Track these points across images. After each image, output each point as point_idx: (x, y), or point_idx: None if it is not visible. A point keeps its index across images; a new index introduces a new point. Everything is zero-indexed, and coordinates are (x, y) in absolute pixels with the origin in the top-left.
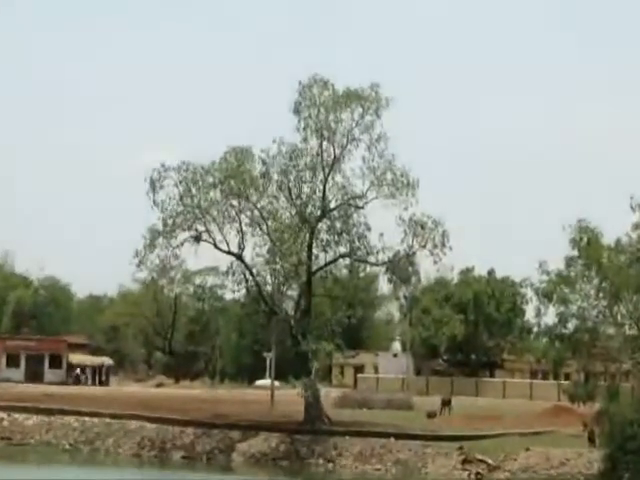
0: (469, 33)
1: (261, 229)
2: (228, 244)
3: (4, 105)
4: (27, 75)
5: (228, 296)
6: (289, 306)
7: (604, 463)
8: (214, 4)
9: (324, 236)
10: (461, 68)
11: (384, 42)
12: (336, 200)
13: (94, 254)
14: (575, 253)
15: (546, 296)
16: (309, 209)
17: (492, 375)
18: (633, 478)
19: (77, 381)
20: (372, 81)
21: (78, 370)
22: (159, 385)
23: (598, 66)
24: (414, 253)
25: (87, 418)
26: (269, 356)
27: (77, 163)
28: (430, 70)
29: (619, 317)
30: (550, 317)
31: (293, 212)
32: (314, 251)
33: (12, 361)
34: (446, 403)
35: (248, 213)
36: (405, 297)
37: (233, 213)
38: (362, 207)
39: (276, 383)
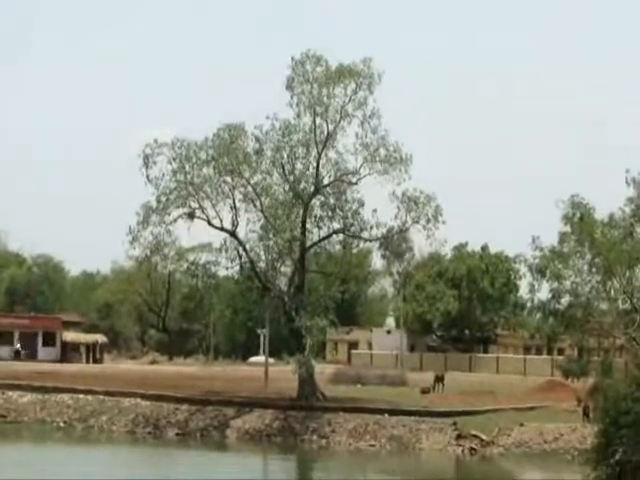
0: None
1: (254, 205)
2: (221, 221)
3: None
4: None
5: (222, 273)
6: (283, 282)
7: (598, 438)
8: None
9: (318, 212)
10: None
11: (376, 15)
12: (329, 176)
13: (87, 231)
14: (568, 229)
15: (540, 272)
16: (302, 185)
17: (486, 351)
18: (627, 452)
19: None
20: (365, 55)
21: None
22: (153, 362)
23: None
24: (407, 229)
25: (81, 396)
26: (263, 333)
27: (71, 140)
28: (420, 42)
29: (612, 292)
30: (544, 293)
31: (286, 188)
32: (308, 227)
33: (5, 339)
34: (439, 379)
35: (241, 189)
36: (399, 273)
37: (226, 189)
38: (355, 183)
39: (270, 360)
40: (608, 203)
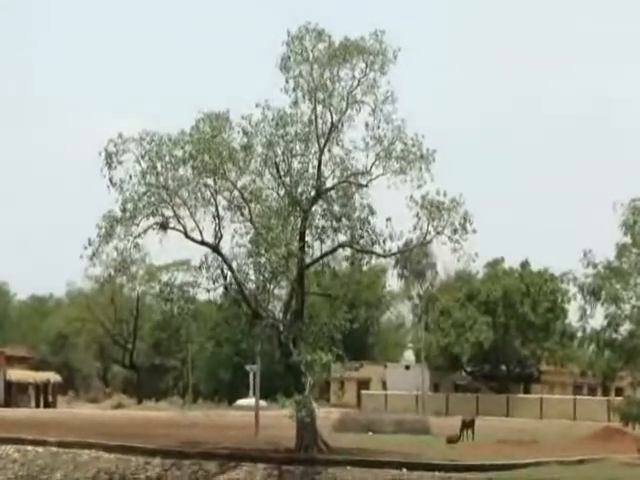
0: None
1: (242, 214)
2: (202, 232)
3: None
4: None
5: (202, 296)
6: (277, 308)
7: None
8: None
9: (319, 222)
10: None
11: None
12: (334, 177)
13: (37, 247)
14: (628, 240)
15: (593, 293)
16: (301, 189)
17: (527, 391)
18: None
19: None
20: (376, 28)
21: None
22: (118, 406)
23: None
24: (429, 241)
25: (29, 447)
26: (253, 370)
27: (19, 136)
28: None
29: None
30: (598, 319)
31: (281, 193)
32: (307, 240)
33: None
34: (468, 425)
35: (226, 194)
36: (419, 296)
37: (207, 194)
38: (366, 185)
39: (262, 403)
40: None
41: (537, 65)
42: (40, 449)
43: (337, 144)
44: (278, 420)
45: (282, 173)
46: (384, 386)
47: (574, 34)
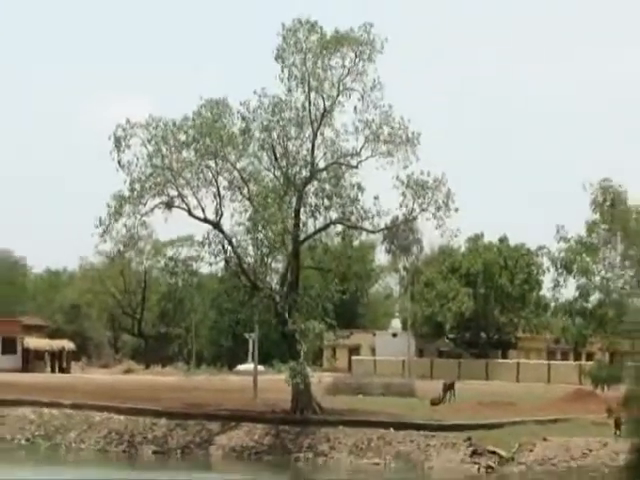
0: None
1: (241, 193)
2: (204, 210)
3: None
4: None
5: (204, 270)
6: (274, 280)
7: (632, 454)
8: None
9: (313, 200)
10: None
11: None
12: (326, 159)
13: (52, 224)
14: (598, 217)
15: (565, 266)
16: (295, 170)
17: (505, 356)
18: None
19: None
20: (364, 21)
21: None
22: (127, 371)
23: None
24: (415, 218)
25: (45, 409)
26: (252, 337)
27: (35, 118)
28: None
29: None
30: (570, 290)
31: (277, 174)
32: (302, 217)
33: None
34: (449, 387)
35: (226, 175)
36: (405, 268)
37: (209, 175)
38: (355, 166)
39: (260, 368)
40: None
41: (517, 48)
42: (55, 411)
43: (329, 128)
44: (275, 384)
45: (278, 155)
46: (373, 352)
47: (550, 20)
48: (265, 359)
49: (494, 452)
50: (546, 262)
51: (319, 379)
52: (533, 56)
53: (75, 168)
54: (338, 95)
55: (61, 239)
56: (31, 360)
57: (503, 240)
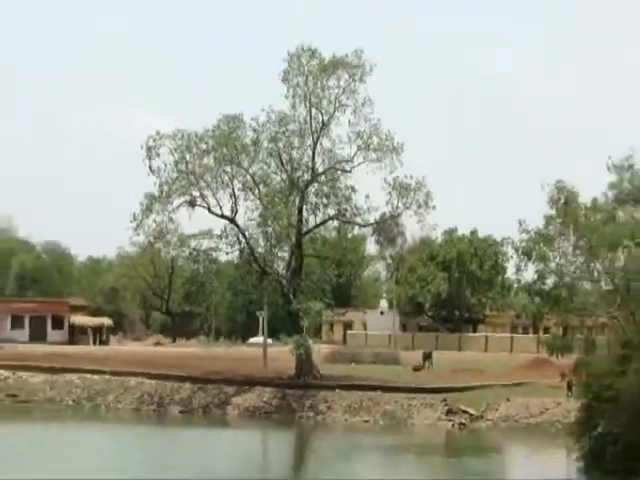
0: None
1: (253, 194)
2: (221, 208)
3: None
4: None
5: (222, 258)
6: (280, 267)
7: (581, 412)
8: None
9: (313, 199)
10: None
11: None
12: (324, 164)
13: (94, 219)
14: (553, 212)
15: (526, 254)
16: (298, 174)
17: (475, 330)
18: (608, 425)
19: None
20: (356, 47)
21: None
22: (157, 344)
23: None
24: (399, 214)
25: (88, 375)
26: (262, 315)
27: (77, 130)
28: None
29: (595, 273)
30: (530, 274)
31: (283, 177)
32: (304, 214)
33: (17, 322)
34: (427, 357)
35: (240, 178)
36: (391, 257)
37: (226, 179)
38: (349, 171)
39: (269, 340)
40: (592, 187)
41: (485, 53)
42: (97, 377)
43: (326, 138)
44: (281, 354)
45: (284, 162)
46: (364, 327)
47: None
48: (273, 333)
49: (466, 411)
50: (510, 251)
51: (319, 350)
52: (504, 55)
53: (114, 173)
54: (334, 110)
55: (102, 232)
56: (76, 334)
57: (474, 232)
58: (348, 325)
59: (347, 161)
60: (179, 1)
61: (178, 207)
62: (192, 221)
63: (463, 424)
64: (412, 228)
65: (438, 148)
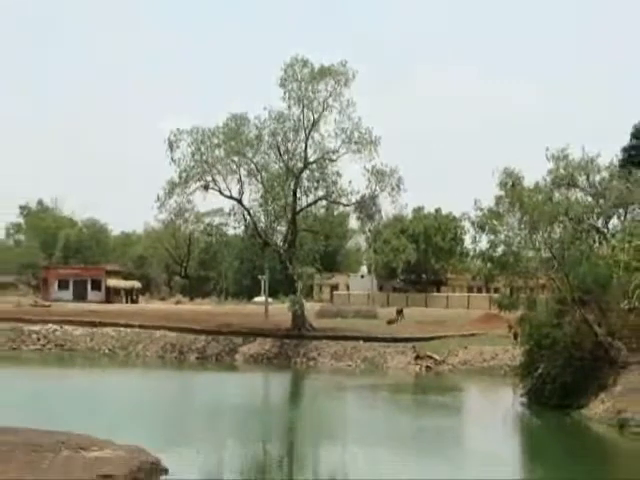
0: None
1: (256, 179)
2: (230, 191)
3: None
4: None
5: (231, 232)
6: (279, 239)
7: (524, 357)
8: None
9: (305, 183)
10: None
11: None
12: (315, 155)
13: (125, 199)
14: (503, 193)
15: (480, 227)
16: (293, 162)
17: (438, 290)
18: (546, 367)
19: None
20: (342, 58)
21: None
22: (177, 302)
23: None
24: (376, 195)
25: (121, 329)
26: (263, 278)
27: (122, 127)
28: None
29: (536, 243)
30: (483, 244)
31: (281, 165)
32: (298, 195)
33: (63, 285)
34: (399, 312)
35: (245, 166)
36: (370, 230)
37: (234, 167)
38: (335, 160)
39: (269, 299)
40: (534, 173)
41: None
42: (128, 330)
43: (317, 133)
44: (280, 311)
45: (281, 152)
46: (348, 288)
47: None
48: (273, 293)
49: (431, 357)
50: (467, 225)
51: (311, 307)
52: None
53: (142, 161)
54: (323, 110)
55: (132, 210)
56: (111, 295)
57: (438, 210)
58: (334, 287)
59: (334, 152)
60: (197, 17)
61: (194, 190)
62: (206, 202)
63: (429, 367)
64: (387, 207)
65: (410, 142)
